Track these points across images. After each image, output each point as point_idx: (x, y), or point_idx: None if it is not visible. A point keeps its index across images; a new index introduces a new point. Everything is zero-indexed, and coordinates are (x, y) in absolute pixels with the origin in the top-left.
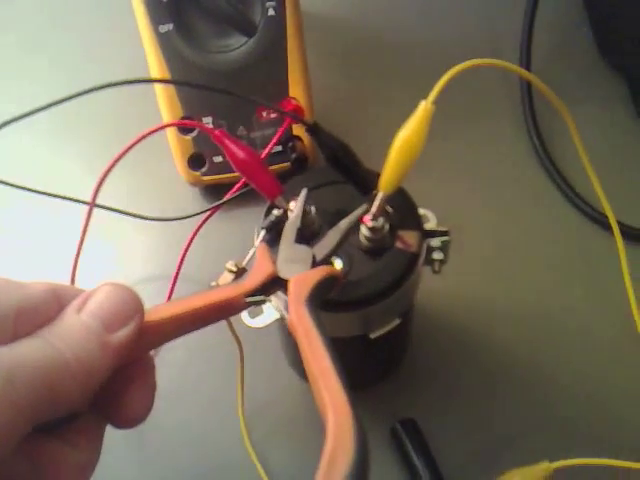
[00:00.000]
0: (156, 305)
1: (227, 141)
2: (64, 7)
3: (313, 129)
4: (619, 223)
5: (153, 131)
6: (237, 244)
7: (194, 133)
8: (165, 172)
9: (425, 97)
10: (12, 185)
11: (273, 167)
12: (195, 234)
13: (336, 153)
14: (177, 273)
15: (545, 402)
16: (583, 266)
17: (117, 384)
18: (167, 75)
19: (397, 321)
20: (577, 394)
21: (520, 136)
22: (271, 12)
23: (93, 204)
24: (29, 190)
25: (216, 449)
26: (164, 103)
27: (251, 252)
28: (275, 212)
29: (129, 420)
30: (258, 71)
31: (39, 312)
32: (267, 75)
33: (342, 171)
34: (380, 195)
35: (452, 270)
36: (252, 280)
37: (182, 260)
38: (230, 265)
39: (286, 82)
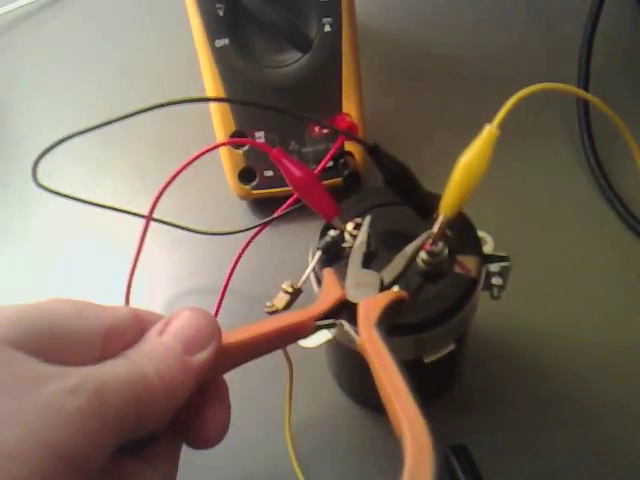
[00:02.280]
0: (232, 330)
1: (285, 160)
2: (120, 22)
3: (373, 150)
4: None
5: (210, 149)
6: (286, 260)
7: (245, 147)
8: (215, 184)
9: (482, 116)
10: (69, 197)
11: (325, 182)
12: (244, 249)
13: (396, 176)
14: (225, 287)
15: (602, 433)
16: None
17: (195, 406)
18: (221, 89)
19: (452, 346)
20: (634, 427)
21: (577, 158)
22: (327, 28)
23: (150, 218)
24: (87, 202)
25: (262, 464)
26: (217, 117)
27: (307, 272)
28: (332, 233)
29: (206, 440)
30: (312, 86)
31: (124, 335)
32: (321, 91)
33: (401, 193)
34: (441, 219)
35: (508, 295)
36: (322, 304)
37: (230, 275)
38: (286, 286)
39: (340, 98)
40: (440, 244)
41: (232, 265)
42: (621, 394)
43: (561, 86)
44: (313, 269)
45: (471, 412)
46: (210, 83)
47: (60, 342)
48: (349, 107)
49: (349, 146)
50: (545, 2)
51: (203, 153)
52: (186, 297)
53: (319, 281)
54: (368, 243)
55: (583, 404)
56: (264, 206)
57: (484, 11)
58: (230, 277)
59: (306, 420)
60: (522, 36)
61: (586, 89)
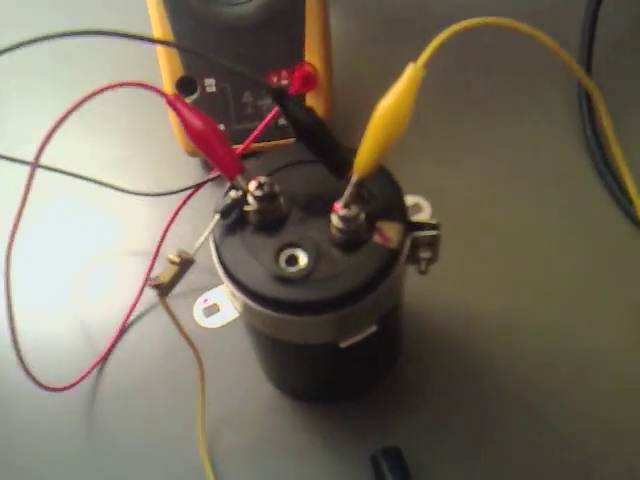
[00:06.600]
0: None
1: (181, 107)
2: None
3: (279, 97)
4: None
5: (97, 92)
6: None
7: (195, 96)
8: (165, 141)
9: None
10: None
11: (280, 141)
12: (177, 212)
13: (309, 129)
14: (156, 251)
15: (553, 437)
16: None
17: None
18: (169, 31)
19: (373, 328)
20: (582, 425)
21: (575, 134)
22: None
23: (36, 164)
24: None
25: (171, 470)
26: (164, 61)
27: (201, 240)
28: (232, 194)
29: None
30: (271, 30)
31: None
32: (281, 35)
33: (314, 150)
34: (354, 179)
35: (457, 272)
36: None
37: (163, 237)
38: (173, 256)
39: (302, 44)
40: (355, 208)
41: (164, 228)
42: (567, 394)
43: (497, 20)
44: (212, 235)
45: (408, 410)
46: (157, 23)
47: None
48: (312, 56)
49: (310, 100)
50: None
51: (92, 94)
52: (116, 260)
53: (218, 250)
54: (268, 203)
55: (538, 404)
56: None
57: None
58: (163, 239)
59: (224, 416)
60: None
61: (590, 49)
